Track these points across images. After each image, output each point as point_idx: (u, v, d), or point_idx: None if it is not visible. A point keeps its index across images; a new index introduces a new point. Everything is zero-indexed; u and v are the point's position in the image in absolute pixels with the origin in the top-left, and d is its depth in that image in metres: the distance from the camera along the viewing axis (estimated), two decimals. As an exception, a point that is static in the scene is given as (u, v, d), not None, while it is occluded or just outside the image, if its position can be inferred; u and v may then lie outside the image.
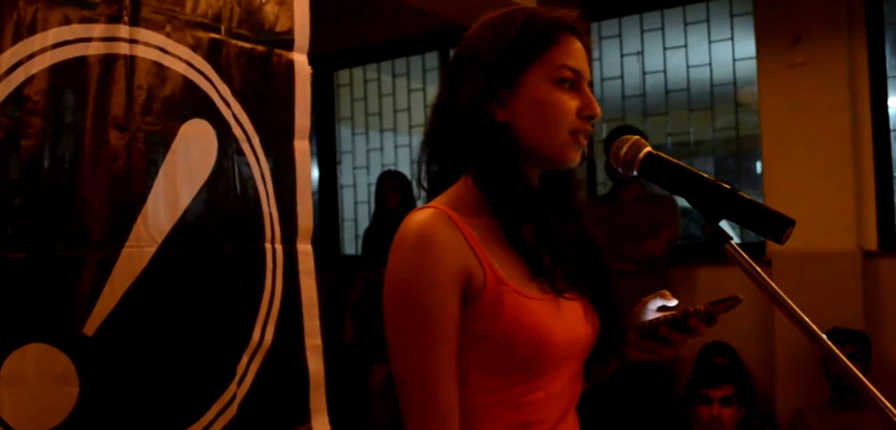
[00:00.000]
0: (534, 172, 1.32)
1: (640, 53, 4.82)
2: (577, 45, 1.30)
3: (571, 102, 1.27)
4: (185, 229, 2.02)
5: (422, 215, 1.22)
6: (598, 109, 1.29)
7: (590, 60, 1.32)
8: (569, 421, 1.32)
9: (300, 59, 2.29)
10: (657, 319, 1.32)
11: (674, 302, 1.36)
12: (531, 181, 1.30)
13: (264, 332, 2.18)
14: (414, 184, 1.41)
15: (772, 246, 3.93)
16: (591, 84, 1.32)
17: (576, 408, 1.35)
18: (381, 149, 5.84)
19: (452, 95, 1.30)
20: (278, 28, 2.24)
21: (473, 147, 1.27)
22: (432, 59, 5.53)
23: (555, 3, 4.67)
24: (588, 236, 1.37)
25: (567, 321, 1.27)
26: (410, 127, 5.67)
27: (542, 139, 1.26)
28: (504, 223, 1.26)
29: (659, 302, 1.36)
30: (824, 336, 1.12)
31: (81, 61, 1.84)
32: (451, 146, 1.30)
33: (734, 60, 4.54)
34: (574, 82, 1.28)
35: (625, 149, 1.29)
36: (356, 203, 5.95)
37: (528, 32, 1.27)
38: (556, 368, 1.26)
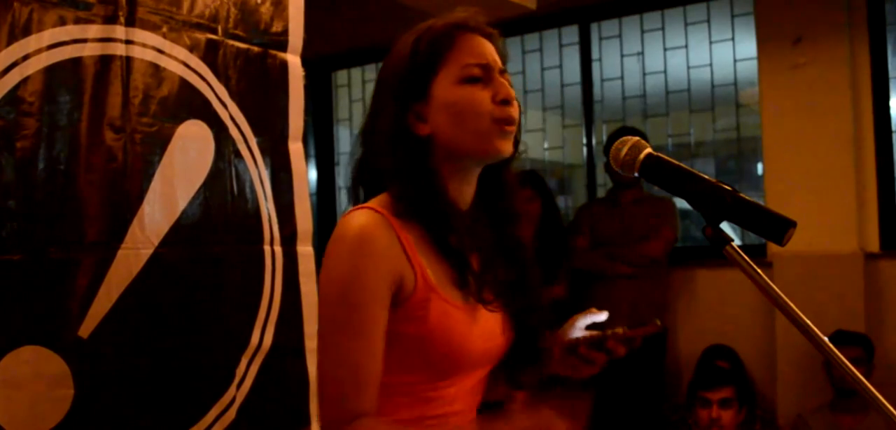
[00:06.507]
0: (466, 175, 1.34)
1: (641, 54, 4.81)
2: (478, 40, 1.33)
3: (484, 94, 1.29)
4: (182, 230, 2.01)
5: (362, 218, 1.26)
6: (511, 91, 1.31)
7: (499, 50, 1.34)
8: (471, 421, 1.37)
9: (294, 61, 2.28)
10: (577, 339, 1.37)
11: (603, 317, 1.40)
12: (457, 187, 1.33)
13: (263, 335, 2.17)
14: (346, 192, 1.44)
15: (773, 248, 3.91)
16: (504, 73, 1.33)
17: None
18: (380, 150, 5.82)
19: (374, 122, 1.35)
20: (273, 29, 2.23)
21: (398, 164, 1.30)
22: (431, 60, 5.50)
23: (551, 3, 4.66)
24: (519, 244, 1.40)
25: (484, 331, 1.32)
26: (410, 128, 5.65)
27: (462, 137, 1.30)
28: (429, 233, 1.29)
29: (588, 319, 1.42)
30: (826, 339, 1.11)
31: (77, 62, 1.83)
32: (383, 166, 1.32)
33: (735, 61, 4.54)
34: (484, 76, 1.30)
35: (625, 150, 1.28)
36: (355, 205, 5.94)
37: (424, 44, 1.31)
38: (467, 372, 1.32)
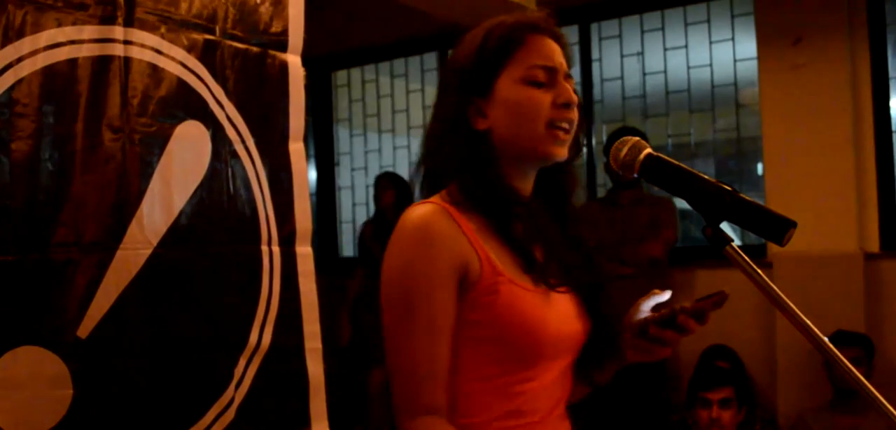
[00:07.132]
0: (523, 173, 1.35)
1: (641, 54, 4.81)
2: (547, 42, 1.32)
3: (545, 97, 1.30)
4: (180, 231, 2.00)
5: (421, 210, 1.26)
6: (574, 96, 1.31)
7: (567, 54, 1.35)
8: (559, 417, 1.34)
9: (294, 61, 2.27)
10: (646, 319, 1.34)
11: (666, 296, 1.38)
12: (515, 182, 1.33)
13: (262, 335, 2.16)
14: (417, 189, 1.43)
15: (773, 248, 3.91)
16: (575, 80, 1.34)
17: (574, 409, 1.36)
18: (379, 150, 5.83)
19: (438, 112, 1.37)
20: (272, 29, 2.22)
21: (456, 156, 1.31)
22: (431, 59, 5.52)
23: (552, 4, 4.66)
24: (581, 237, 1.40)
25: (559, 315, 1.29)
26: (409, 128, 5.66)
27: (520, 138, 1.30)
28: (493, 221, 1.29)
29: (652, 301, 1.38)
30: (826, 339, 1.11)
31: (73, 63, 1.83)
32: (442, 157, 1.34)
33: (735, 61, 4.54)
34: (548, 80, 1.31)
35: (625, 151, 1.28)
36: (354, 205, 5.94)
37: (492, 41, 1.32)
38: (547, 360, 1.29)
